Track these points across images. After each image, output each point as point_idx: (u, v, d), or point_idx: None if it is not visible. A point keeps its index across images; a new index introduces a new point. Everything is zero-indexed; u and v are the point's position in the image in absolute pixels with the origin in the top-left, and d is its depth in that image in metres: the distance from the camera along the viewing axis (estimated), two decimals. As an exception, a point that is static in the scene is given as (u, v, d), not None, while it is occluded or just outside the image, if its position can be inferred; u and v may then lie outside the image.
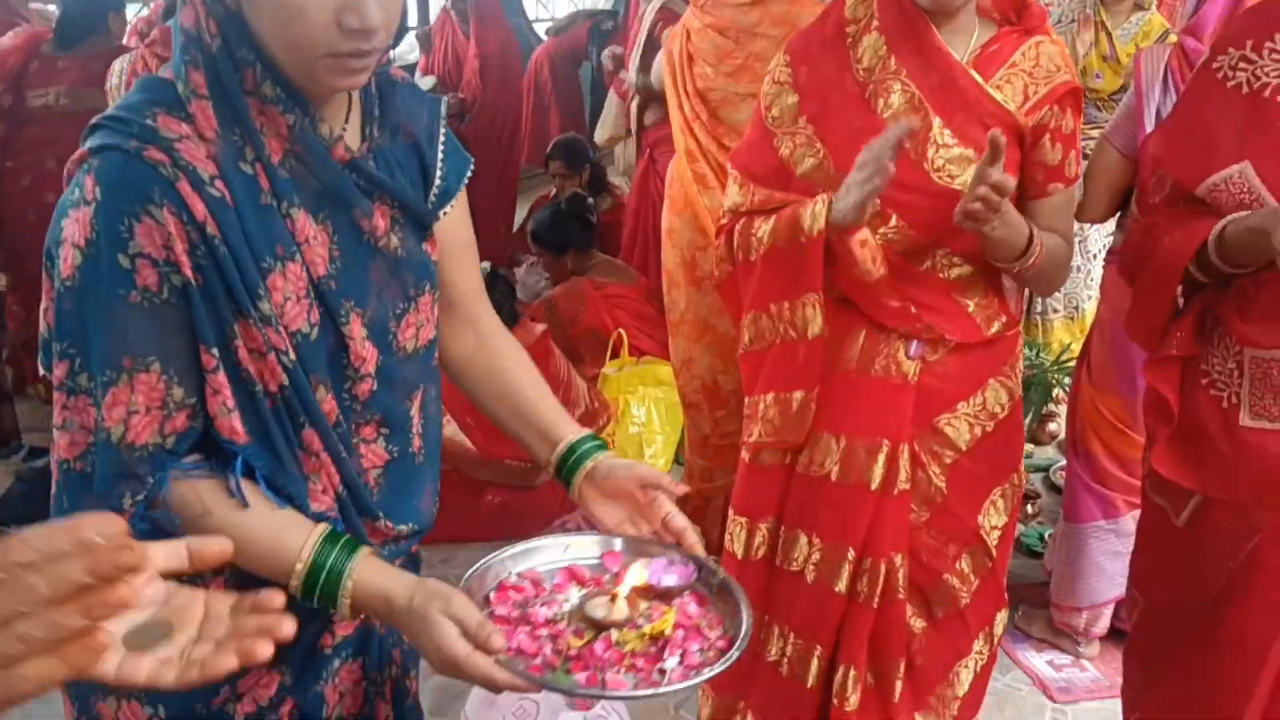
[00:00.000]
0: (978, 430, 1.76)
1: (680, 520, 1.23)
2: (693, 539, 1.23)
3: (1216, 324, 1.56)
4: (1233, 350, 1.52)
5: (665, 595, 1.17)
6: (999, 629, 1.91)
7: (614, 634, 1.11)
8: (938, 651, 1.83)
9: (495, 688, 1.05)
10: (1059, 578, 2.92)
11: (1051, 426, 4.09)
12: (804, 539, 1.78)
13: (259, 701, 1.28)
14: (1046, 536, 3.29)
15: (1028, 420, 3.79)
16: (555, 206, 4.32)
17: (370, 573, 1.10)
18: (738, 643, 1.11)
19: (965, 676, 1.87)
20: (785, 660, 1.82)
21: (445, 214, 1.29)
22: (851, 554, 1.73)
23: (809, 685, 1.79)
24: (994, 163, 1.46)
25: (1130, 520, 2.75)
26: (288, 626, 0.75)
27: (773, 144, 1.74)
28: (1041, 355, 3.59)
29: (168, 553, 0.74)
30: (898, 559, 1.74)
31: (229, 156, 1.06)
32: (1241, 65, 1.45)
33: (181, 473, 1.08)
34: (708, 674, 1.08)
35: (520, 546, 1.23)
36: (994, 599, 1.87)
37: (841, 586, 1.75)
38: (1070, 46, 3.64)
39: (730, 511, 1.90)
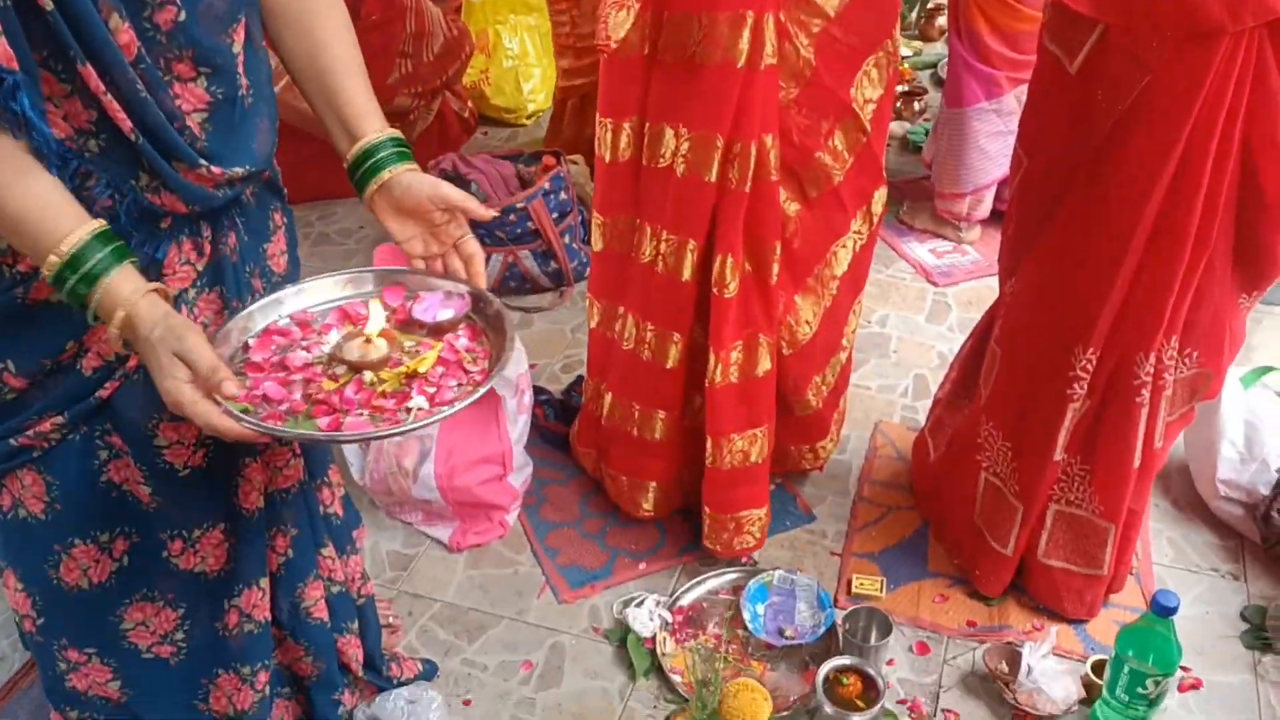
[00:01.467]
0: None
1: (472, 245, 1.21)
2: (479, 267, 1.21)
3: None
4: None
5: (438, 330, 1.16)
6: (877, 208, 1.88)
7: (367, 375, 1.10)
8: (813, 232, 1.80)
9: (223, 437, 1.02)
10: (941, 166, 2.94)
11: (940, 21, 3.96)
12: (669, 131, 1.67)
13: (105, 356, 1.23)
14: (932, 131, 3.27)
15: (913, 14, 3.66)
16: None
17: (125, 290, 1.04)
18: (491, 374, 1.11)
19: (844, 256, 1.87)
20: (660, 258, 1.78)
21: None
22: (720, 140, 1.64)
23: (685, 279, 1.77)
24: None
25: (1013, 98, 2.74)
26: None
27: None
28: (928, -60, 3.39)
29: None
30: (768, 140, 1.66)
31: None
32: None
33: None
34: (447, 412, 1.05)
35: (293, 287, 1.21)
36: (871, 176, 1.83)
37: (712, 176, 1.67)
38: None
39: (597, 115, 1.80)
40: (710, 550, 1.98)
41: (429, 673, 1.80)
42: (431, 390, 1.10)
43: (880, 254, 2.99)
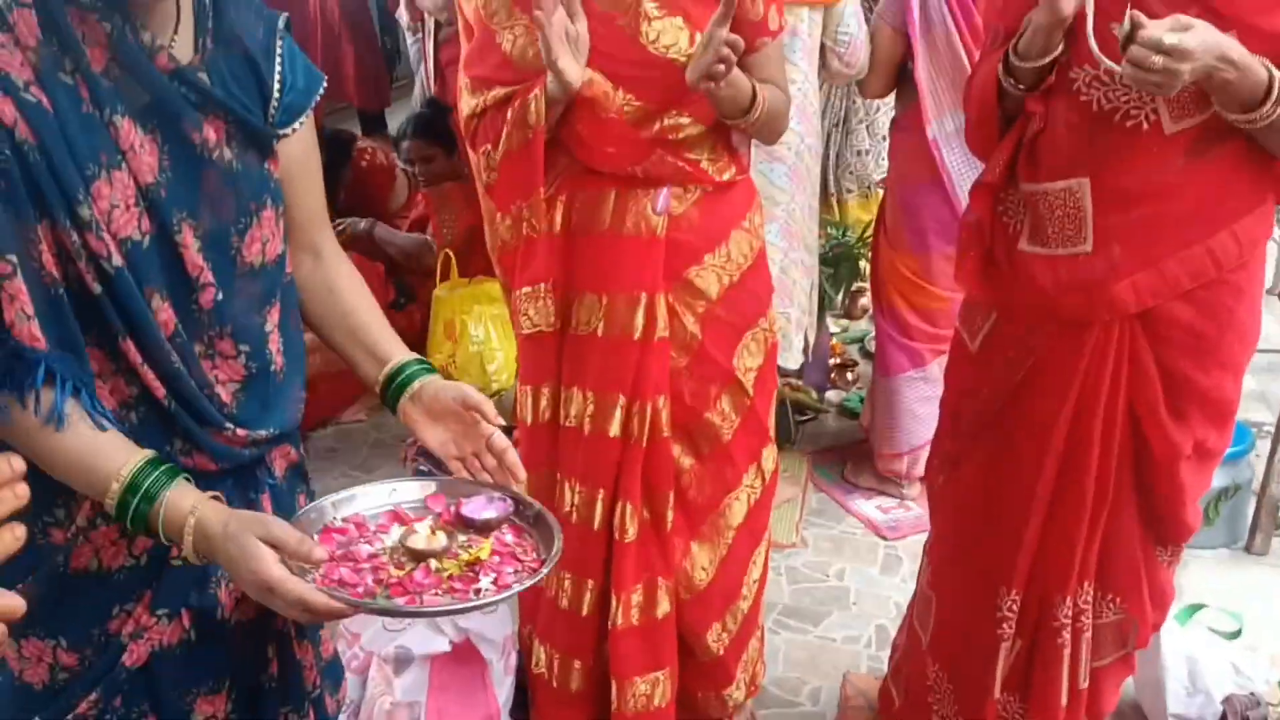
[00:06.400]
0: (725, 280, 1.88)
1: (502, 441, 1.30)
2: (513, 458, 1.30)
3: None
4: (1019, 184, 1.69)
5: (484, 528, 1.27)
6: (768, 464, 2.05)
7: (433, 563, 1.19)
8: (707, 485, 1.97)
9: (313, 614, 1.09)
10: (879, 429, 3.16)
11: (863, 301, 4.34)
12: (579, 394, 1.89)
13: (140, 622, 1.26)
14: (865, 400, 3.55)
15: (840, 296, 4.04)
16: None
17: (188, 500, 1.12)
18: (548, 560, 1.20)
19: (738, 508, 2.02)
20: (574, 509, 1.93)
21: (291, 132, 1.29)
22: (622, 400, 1.85)
23: (596, 528, 1.92)
24: (724, 24, 1.56)
25: (936, 366, 2.99)
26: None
27: (495, 42, 1.79)
28: (847, 234, 3.81)
29: None
30: (661, 401, 1.87)
31: (50, 65, 1.06)
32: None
33: None
34: (517, 588, 1.18)
35: (345, 493, 1.29)
36: (758, 435, 2.02)
37: (615, 430, 1.87)
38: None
39: (517, 383, 2.00)
40: None
41: None
42: (493, 575, 1.19)
43: (831, 511, 3.16)
